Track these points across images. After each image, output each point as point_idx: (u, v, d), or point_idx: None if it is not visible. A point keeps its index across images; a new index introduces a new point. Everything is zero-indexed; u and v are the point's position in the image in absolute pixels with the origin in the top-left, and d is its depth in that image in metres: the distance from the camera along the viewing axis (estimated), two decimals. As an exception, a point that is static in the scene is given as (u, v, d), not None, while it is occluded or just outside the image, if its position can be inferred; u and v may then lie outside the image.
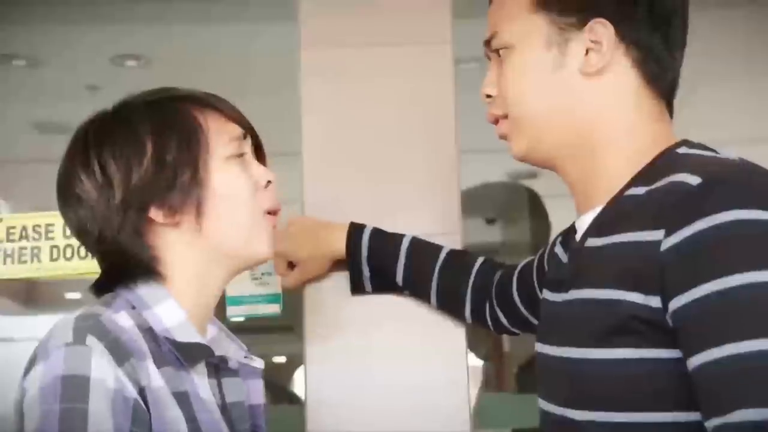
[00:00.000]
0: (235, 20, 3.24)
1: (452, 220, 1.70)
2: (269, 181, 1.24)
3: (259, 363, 1.30)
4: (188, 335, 1.17)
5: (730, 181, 0.97)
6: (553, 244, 1.30)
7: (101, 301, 1.17)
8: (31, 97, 3.97)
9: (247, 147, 1.25)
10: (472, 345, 1.72)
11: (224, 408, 1.23)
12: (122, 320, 1.13)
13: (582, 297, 1.08)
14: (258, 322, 1.76)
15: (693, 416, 0.96)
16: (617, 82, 1.13)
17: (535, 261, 1.49)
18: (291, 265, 1.65)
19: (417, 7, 1.74)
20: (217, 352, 1.24)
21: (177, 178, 1.16)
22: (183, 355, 1.16)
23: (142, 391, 1.08)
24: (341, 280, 1.65)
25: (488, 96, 1.21)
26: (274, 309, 1.73)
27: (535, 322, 1.46)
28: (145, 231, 1.17)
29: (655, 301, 0.97)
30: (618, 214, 1.08)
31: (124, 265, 1.18)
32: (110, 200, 1.15)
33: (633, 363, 1.00)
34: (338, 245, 1.61)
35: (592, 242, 1.10)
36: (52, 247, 1.75)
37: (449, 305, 1.62)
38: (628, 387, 1.00)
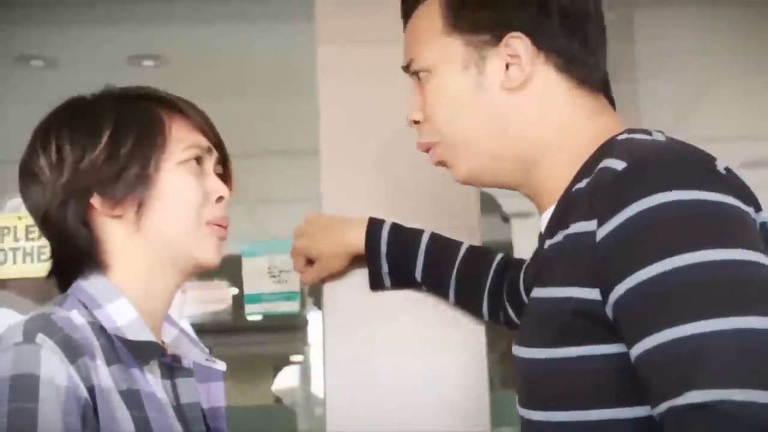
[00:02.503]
0: (253, 19, 3.25)
1: (471, 218, 1.70)
2: (221, 197, 1.23)
3: (221, 365, 1.29)
4: (139, 334, 1.16)
5: (654, 163, 0.96)
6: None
7: (53, 301, 1.18)
8: (48, 97, 3.99)
9: (210, 160, 1.25)
10: (488, 342, 1.72)
11: (179, 408, 1.21)
12: (74, 318, 1.12)
13: (536, 296, 1.07)
14: (267, 320, 1.77)
15: (640, 411, 0.95)
16: (545, 90, 1.11)
17: None
18: (309, 262, 1.65)
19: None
20: (174, 353, 1.23)
21: (124, 172, 1.17)
22: (134, 353, 1.15)
23: (91, 391, 1.07)
24: (360, 275, 1.65)
25: (416, 122, 1.19)
26: (292, 307, 1.73)
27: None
28: (87, 217, 1.18)
29: (594, 294, 0.96)
30: (564, 210, 1.07)
31: (68, 249, 1.19)
32: (57, 180, 1.17)
33: (578, 361, 0.98)
34: (357, 241, 1.60)
35: (547, 241, 1.10)
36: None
37: (467, 301, 1.62)
38: (574, 385, 0.99)
